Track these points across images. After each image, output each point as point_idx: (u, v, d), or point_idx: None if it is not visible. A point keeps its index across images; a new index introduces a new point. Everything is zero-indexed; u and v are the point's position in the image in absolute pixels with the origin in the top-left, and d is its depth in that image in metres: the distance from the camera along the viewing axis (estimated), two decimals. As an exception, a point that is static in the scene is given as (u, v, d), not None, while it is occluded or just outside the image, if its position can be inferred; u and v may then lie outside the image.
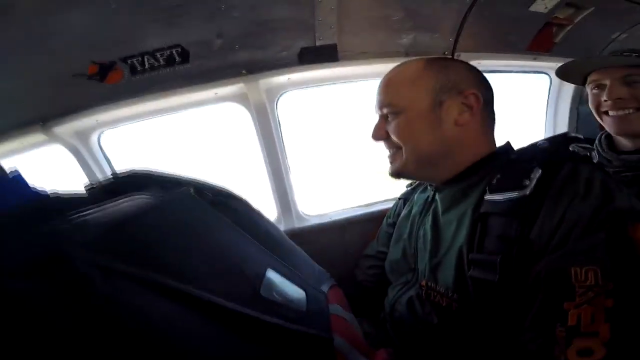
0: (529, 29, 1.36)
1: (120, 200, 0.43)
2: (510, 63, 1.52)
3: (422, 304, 0.80)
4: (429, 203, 0.91)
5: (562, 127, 1.74)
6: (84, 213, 0.37)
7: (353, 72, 1.38)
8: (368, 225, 1.40)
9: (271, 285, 0.46)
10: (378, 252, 1.12)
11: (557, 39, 1.40)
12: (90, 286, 0.30)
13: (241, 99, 1.30)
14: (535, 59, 1.50)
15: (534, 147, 0.76)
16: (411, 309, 0.83)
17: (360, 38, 1.26)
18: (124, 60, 1.08)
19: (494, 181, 0.71)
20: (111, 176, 0.56)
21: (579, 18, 1.31)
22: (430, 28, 1.30)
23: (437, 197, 0.86)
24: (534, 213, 0.62)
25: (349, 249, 1.38)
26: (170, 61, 1.10)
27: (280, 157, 1.40)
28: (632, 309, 0.49)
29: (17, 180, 0.41)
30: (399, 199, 1.14)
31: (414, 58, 0.86)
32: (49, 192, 0.43)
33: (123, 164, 1.53)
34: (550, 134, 1.79)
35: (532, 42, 1.41)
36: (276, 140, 1.38)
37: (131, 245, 0.37)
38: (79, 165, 1.38)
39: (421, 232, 0.88)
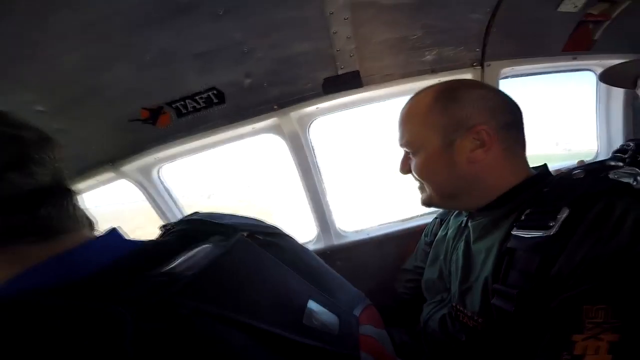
0: (561, 29, 1.31)
1: (195, 251, 0.53)
2: (548, 65, 1.46)
3: (453, 322, 0.84)
4: (462, 229, 0.93)
5: (616, 125, 1.61)
6: (174, 265, 0.48)
7: (379, 94, 1.42)
8: (405, 240, 1.43)
9: (311, 313, 0.54)
10: (415, 266, 1.17)
11: (596, 36, 1.32)
12: (191, 326, 0.40)
13: (276, 129, 1.42)
14: (575, 59, 1.43)
15: (568, 177, 0.74)
16: (443, 326, 0.87)
17: (381, 61, 1.31)
18: (169, 104, 1.25)
19: (523, 217, 0.72)
20: (180, 222, 0.67)
21: (617, 12, 1.22)
22: (453, 42, 1.31)
23: (469, 224, 0.88)
24: (557, 252, 0.62)
25: (387, 263, 1.42)
26: (208, 102, 1.25)
27: (316, 179, 1.49)
28: (637, 345, 0.50)
29: (116, 234, 0.53)
30: (436, 218, 1.16)
31: (427, 87, 0.85)
32: (143, 242, 0.55)
33: (182, 192, 1.72)
34: (603, 134, 1.67)
35: (568, 42, 1.35)
36: (311, 164, 1.47)
37: (211, 290, 0.46)
38: (144, 196, 1.60)
39: (454, 257, 0.91)
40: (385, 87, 1.37)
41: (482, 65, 1.37)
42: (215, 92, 1.22)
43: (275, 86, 1.26)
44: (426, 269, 1.05)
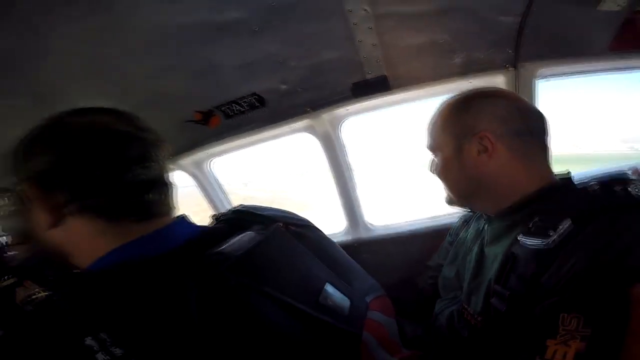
0: (603, 28, 1.24)
1: (241, 236, 0.68)
2: (592, 66, 1.39)
3: (458, 319, 0.91)
4: (480, 232, 0.99)
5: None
6: (225, 245, 0.63)
7: (409, 96, 1.47)
8: (431, 238, 1.48)
9: (327, 295, 0.66)
10: (438, 264, 1.23)
11: (648, 33, 1.23)
12: (235, 295, 0.54)
13: (310, 129, 1.56)
14: (624, 58, 1.34)
15: (584, 190, 0.76)
16: (450, 322, 0.94)
17: (409, 66, 1.36)
18: (218, 108, 1.46)
19: (531, 224, 0.76)
20: (229, 212, 0.83)
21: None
22: (483, 44, 1.31)
23: (486, 228, 0.94)
24: (550, 262, 0.67)
25: (411, 258, 1.48)
26: (251, 106, 1.43)
27: (346, 175, 1.60)
28: (601, 356, 0.53)
29: (186, 220, 0.69)
30: (461, 219, 1.22)
31: (451, 97, 0.95)
32: (204, 227, 0.71)
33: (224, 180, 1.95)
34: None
35: (614, 41, 1.27)
36: (342, 161, 1.58)
37: (252, 268, 0.60)
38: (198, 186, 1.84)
39: (468, 258, 0.98)
40: (414, 89, 1.43)
41: (515, 67, 1.36)
42: (256, 97, 1.39)
43: (308, 91, 1.39)
44: (444, 267, 1.12)
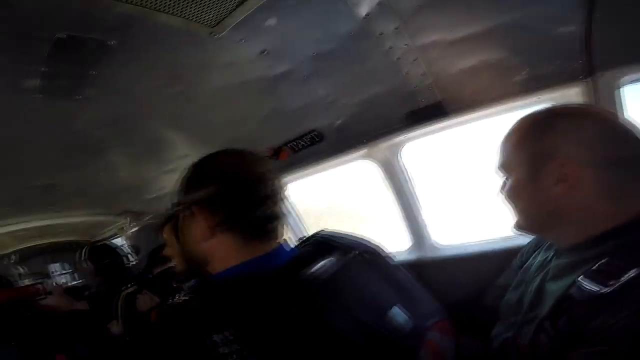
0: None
1: (325, 261, 0.81)
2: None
3: (511, 346, 0.90)
4: (545, 264, 0.94)
5: None
6: (315, 268, 0.77)
7: (469, 118, 1.42)
8: (502, 259, 1.41)
9: (392, 315, 0.78)
10: (506, 284, 1.20)
11: None
12: (322, 312, 0.68)
13: (369, 157, 1.64)
14: None
15: None
16: (503, 345, 0.94)
17: (464, 89, 1.33)
18: (285, 144, 1.66)
19: (595, 266, 0.70)
20: (311, 237, 0.97)
21: None
22: (546, 57, 1.20)
23: (552, 261, 0.89)
24: (602, 311, 0.63)
25: (480, 278, 1.43)
26: (313, 141, 1.58)
27: (409, 198, 1.63)
28: None
29: (286, 244, 0.85)
30: (532, 241, 1.16)
31: (527, 114, 0.85)
32: (298, 251, 0.88)
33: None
34: None
35: None
36: (403, 185, 1.61)
37: (334, 290, 0.74)
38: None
39: (529, 289, 0.95)
40: (474, 111, 1.38)
41: (591, 77, 1.23)
42: (315, 133, 1.54)
43: (362, 124, 1.48)
44: (510, 290, 1.09)
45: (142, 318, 1.28)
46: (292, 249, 0.84)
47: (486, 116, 1.43)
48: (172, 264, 1.43)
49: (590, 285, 0.68)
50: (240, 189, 0.75)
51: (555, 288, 0.80)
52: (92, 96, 1.26)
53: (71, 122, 1.38)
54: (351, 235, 0.96)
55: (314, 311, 0.65)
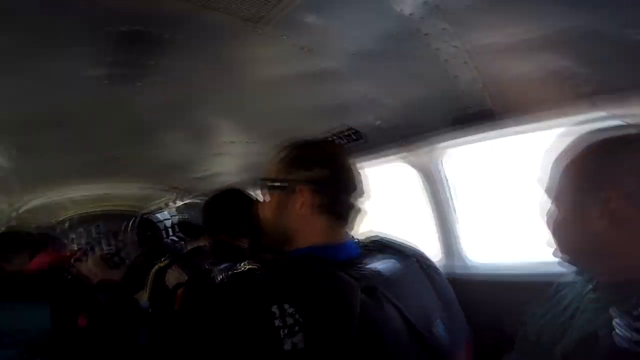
0: None
1: (387, 261, 0.85)
2: None
3: None
4: (579, 299, 0.84)
5: None
6: (376, 264, 0.82)
7: (522, 128, 1.32)
8: (537, 287, 1.31)
9: (437, 326, 0.80)
10: (533, 314, 1.12)
11: None
12: (381, 303, 0.71)
13: (408, 161, 1.59)
14: None
15: None
16: None
17: (519, 97, 1.22)
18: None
19: (635, 312, 0.62)
20: (369, 239, 0.97)
21: None
22: (619, 68, 1.06)
23: (587, 297, 0.80)
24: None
25: (509, 303, 1.34)
26: (351, 139, 1.57)
27: (446, 209, 1.56)
28: None
29: (354, 239, 0.90)
30: (572, 273, 1.07)
31: (585, 133, 0.76)
32: (361, 247, 0.91)
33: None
34: None
35: None
36: (441, 194, 1.55)
37: (393, 288, 0.77)
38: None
39: (558, 321, 0.89)
40: (528, 122, 1.27)
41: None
42: (353, 130, 1.55)
43: (404, 126, 1.43)
44: (529, 324, 1.01)
45: (167, 293, 1.32)
46: (356, 244, 0.88)
47: (541, 128, 1.31)
48: (204, 243, 1.48)
49: (624, 333, 0.61)
50: (344, 175, 0.80)
51: (583, 324, 0.73)
52: (150, 83, 1.39)
53: (132, 105, 1.54)
54: (404, 243, 0.97)
55: (374, 305, 0.68)
